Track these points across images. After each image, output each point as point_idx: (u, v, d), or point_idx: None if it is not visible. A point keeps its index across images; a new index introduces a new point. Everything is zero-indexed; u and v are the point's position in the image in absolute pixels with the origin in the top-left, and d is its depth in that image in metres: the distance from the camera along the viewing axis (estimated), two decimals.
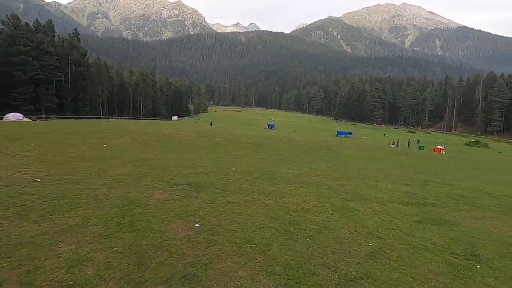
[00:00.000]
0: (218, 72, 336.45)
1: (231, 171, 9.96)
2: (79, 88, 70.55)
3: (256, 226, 4.51)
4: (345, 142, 35.62)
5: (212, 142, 21.67)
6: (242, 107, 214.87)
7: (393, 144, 42.78)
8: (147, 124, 39.67)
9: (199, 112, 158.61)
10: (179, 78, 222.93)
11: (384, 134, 78.49)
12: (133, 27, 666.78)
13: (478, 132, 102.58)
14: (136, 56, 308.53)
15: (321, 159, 17.91)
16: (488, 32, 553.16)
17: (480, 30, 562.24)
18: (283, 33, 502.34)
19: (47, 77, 59.04)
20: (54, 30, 71.32)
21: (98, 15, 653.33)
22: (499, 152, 53.73)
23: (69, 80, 68.04)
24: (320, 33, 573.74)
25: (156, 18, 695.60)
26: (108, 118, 69.02)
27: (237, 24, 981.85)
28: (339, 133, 64.84)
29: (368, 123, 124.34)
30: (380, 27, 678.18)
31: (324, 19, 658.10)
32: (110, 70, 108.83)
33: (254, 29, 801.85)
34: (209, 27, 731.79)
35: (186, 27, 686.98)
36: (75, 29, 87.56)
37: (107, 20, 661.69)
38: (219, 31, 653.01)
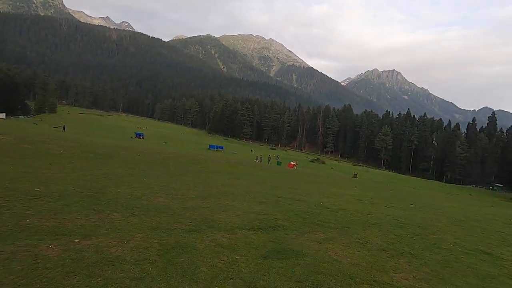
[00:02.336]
0: (76, 67, 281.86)
1: (29, 194, 6.64)
2: None
3: None
4: (213, 156, 35.39)
5: (35, 151, 15.96)
6: (106, 111, 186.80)
7: (257, 159, 46.23)
8: None
9: (44, 112, 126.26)
10: (15, 66, 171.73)
11: (251, 150, 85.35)
12: None
13: (319, 151, 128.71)
14: None
15: (183, 174, 16.11)
16: (326, 75, 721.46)
17: (321, 73, 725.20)
18: (161, 40, 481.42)
19: None
20: None
21: None
22: (331, 167, 68.01)
23: None
24: (199, 48, 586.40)
25: None
26: None
27: (106, 18, 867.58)
28: (211, 146, 65.40)
29: (238, 139, 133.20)
30: (252, 54, 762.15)
31: (203, 36, 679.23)
32: None
33: (127, 28, 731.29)
34: (68, 12, 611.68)
35: (33, 5, 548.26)
36: None
37: None
38: (82, 20, 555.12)
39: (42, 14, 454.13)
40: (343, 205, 11.88)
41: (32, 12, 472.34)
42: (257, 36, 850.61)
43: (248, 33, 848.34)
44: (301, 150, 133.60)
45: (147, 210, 6.55)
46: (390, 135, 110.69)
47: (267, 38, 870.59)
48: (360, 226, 7.97)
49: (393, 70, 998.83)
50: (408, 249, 6.09)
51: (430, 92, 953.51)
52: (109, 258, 3.73)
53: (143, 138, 63.20)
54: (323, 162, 79.85)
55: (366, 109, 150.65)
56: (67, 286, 2.95)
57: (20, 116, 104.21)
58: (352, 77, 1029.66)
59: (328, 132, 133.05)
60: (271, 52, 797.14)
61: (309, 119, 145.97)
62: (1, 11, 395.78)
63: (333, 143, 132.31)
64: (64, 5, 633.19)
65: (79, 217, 5.38)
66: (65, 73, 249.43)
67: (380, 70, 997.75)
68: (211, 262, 4.03)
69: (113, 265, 3.53)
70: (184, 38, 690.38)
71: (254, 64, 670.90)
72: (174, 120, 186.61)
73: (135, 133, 68.77)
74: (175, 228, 5.47)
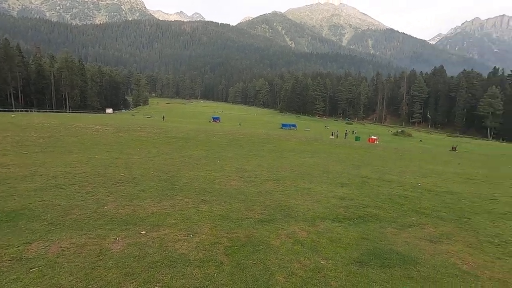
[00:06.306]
0: (160, 62, 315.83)
1: (114, 179, 7.00)
2: None
3: None
4: (286, 135, 34.59)
5: (128, 138, 17.94)
6: (187, 99, 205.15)
7: (332, 136, 43.50)
8: (63, 117, 33.20)
9: (139, 105, 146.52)
10: (115, 68, 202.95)
11: (326, 126, 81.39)
12: (58, 7, 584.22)
13: (403, 123, 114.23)
14: (63, 41, 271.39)
15: (255, 154, 15.81)
16: (409, 35, 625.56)
17: (403, 33, 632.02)
18: (229, 25, 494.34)
19: None
20: None
21: None
22: (420, 140, 59.36)
23: None
24: (266, 27, 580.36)
25: (87, 0, 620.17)
26: (20, 111, 57.85)
27: (180, 13, 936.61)
28: (283, 125, 64.73)
29: (311, 115, 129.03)
30: (320, 25, 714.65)
31: (269, 13, 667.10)
32: (27, 55, 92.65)
33: (198, 18, 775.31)
34: (150, 14, 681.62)
35: (123, 12, 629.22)
36: None
37: None
38: (161, 18, 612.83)
39: (130, 19, 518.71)
40: (450, 187, 9.56)
41: (123, 18, 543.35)
42: (326, 4, 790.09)
43: (316, 2, 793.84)
44: (381, 122, 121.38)
45: (218, 195, 6.14)
46: (499, 98, 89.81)
47: (336, 4, 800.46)
48: (484, 216, 5.99)
49: (503, 15, 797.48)
50: None
51: None
52: (172, 256, 3.26)
53: (219, 121, 66.80)
54: (409, 135, 70.44)
55: (464, 69, 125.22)
56: None
57: (122, 110, 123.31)
58: (444, 33, 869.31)
59: (414, 100, 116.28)
60: (342, 18, 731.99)
61: (389, 87, 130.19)
62: (101, 22, 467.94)
63: (420, 113, 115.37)
64: (145, 7, 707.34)
65: (152, 203, 5.26)
66: (151, 68, 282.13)
67: (482, 19, 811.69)
68: (289, 268, 3.19)
69: (174, 267, 3.03)
70: (250, 18, 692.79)
71: (323, 35, 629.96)
72: (246, 102, 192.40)
73: (212, 117, 73.15)
74: (246, 218, 4.83)
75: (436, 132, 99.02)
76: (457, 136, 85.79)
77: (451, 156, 27.08)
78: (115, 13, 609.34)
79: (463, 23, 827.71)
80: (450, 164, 19.52)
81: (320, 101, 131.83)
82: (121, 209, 4.80)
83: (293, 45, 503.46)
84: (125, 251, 3.30)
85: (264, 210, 5.36)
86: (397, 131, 75.59)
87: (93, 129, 20.53)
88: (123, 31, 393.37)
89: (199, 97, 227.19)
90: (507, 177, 13.72)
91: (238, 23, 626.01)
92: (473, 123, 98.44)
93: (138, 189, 6.24)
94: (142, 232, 3.86)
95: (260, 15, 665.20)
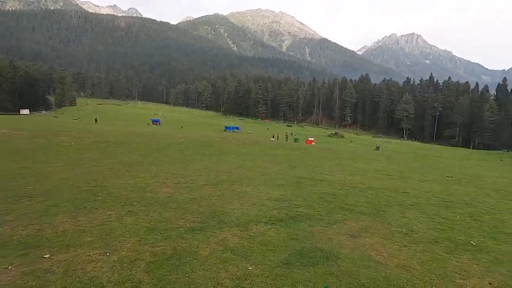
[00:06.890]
0: (90, 59, 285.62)
1: (19, 193, 5.95)
2: None
3: None
4: (229, 137, 34.51)
5: (46, 144, 15.64)
6: (123, 100, 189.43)
7: (273, 138, 45.04)
8: None
9: (64, 105, 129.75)
10: (32, 63, 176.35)
11: (268, 128, 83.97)
12: None
13: (336, 125, 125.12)
14: None
15: (195, 158, 15.33)
16: (341, 46, 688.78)
17: (335, 43, 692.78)
18: (169, 23, 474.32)
19: None
20: None
21: None
22: (351, 141, 65.67)
23: None
24: (208, 29, 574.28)
25: None
26: None
27: (113, 7, 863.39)
28: (227, 128, 64.56)
29: (254, 118, 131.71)
30: (262, 30, 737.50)
31: (211, 15, 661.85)
32: None
33: (135, 14, 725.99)
34: (77, 4, 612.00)
35: (43, 0, 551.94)
36: None
37: None
38: (90, 10, 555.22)
39: (52, 8, 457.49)
40: (372, 183, 10.67)
41: (42, 7, 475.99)
42: (266, 10, 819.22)
43: (257, 8, 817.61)
44: (318, 125, 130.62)
45: (147, 205, 5.70)
46: (411, 103, 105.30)
47: (276, 11, 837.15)
48: (396, 208, 6.79)
49: (413, 33, 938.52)
50: (466, 238, 4.89)
51: (454, 54, 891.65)
52: (80, 282, 2.84)
53: (159, 124, 63.29)
54: (342, 136, 77.32)
55: (385, 78, 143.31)
56: None
57: (42, 111, 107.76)
58: (369, 45, 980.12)
59: (345, 104, 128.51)
60: (281, 26, 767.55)
61: (324, 92, 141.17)
62: (13, 9, 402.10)
63: (351, 116, 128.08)
64: None
65: (64, 219, 4.58)
66: (79, 65, 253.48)
67: (398, 35, 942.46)
68: (215, 279, 3.07)
69: None
70: (192, 19, 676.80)
71: (265, 40, 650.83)
72: (188, 104, 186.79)
73: (151, 119, 68.92)
74: (176, 227, 4.56)
75: (363, 133, 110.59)
76: (380, 137, 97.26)
77: (375, 155, 30.45)
78: (32, 0, 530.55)
79: (383, 38, 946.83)
80: (374, 162, 21.90)
81: (262, 104, 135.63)
82: (22, 229, 4.06)
83: (235, 48, 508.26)
84: (17, 282, 2.75)
85: (197, 217, 5.15)
86: (332, 133, 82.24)
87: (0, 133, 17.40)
88: (43, 22, 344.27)
89: (136, 98, 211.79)
90: (416, 172, 15.98)
91: (179, 23, 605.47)
92: (392, 125, 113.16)
93: (50, 203, 5.40)
94: (45, 256, 3.30)
95: (202, 16, 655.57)
